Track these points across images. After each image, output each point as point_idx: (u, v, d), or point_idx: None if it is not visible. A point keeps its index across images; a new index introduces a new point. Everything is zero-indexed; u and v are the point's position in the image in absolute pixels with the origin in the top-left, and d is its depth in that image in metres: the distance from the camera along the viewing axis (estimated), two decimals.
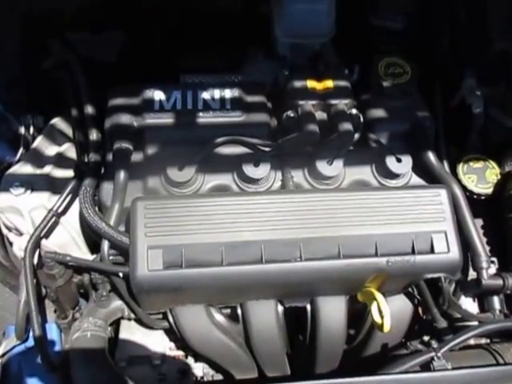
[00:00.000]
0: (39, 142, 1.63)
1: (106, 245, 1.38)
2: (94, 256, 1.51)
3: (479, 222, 1.62)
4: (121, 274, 1.40)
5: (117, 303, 1.51)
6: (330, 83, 1.55)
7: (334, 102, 1.52)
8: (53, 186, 1.53)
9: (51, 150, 1.63)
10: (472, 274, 1.51)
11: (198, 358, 1.54)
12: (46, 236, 1.48)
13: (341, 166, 1.46)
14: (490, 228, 1.63)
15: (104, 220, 1.38)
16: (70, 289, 1.50)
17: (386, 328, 1.34)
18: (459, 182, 1.56)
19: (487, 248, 1.58)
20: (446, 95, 1.70)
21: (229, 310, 1.49)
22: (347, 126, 1.47)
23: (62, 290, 1.48)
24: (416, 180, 1.52)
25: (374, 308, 1.36)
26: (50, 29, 1.64)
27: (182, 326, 1.43)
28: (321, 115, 1.53)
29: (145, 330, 1.54)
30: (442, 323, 1.45)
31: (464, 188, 1.56)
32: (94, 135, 1.55)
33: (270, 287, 1.39)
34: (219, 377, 1.56)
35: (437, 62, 1.77)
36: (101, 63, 1.73)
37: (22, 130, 1.67)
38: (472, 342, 1.54)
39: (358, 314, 1.51)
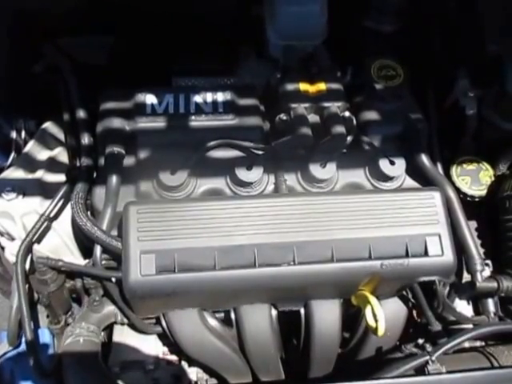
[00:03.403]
0: (31, 147, 1.62)
1: (98, 250, 1.37)
2: (87, 261, 1.50)
3: (473, 224, 1.62)
4: (113, 279, 1.40)
5: (110, 308, 1.50)
6: (322, 86, 1.55)
7: (326, 104, 1.52)
8: (45, 190, 1.53)
9: (43, 154, 1.63)
10: (466, 277, 1.51)
11: (192, 362, 1.53)
12: (38, 241, 1.48)
13: (334, 169, 1.45)
14: (484, 230, 1.63)
15: (96, 225, 1.37)
16: (62, 294, 1.49)
17: (380, 331, 1.33)
18: (453, 184, 1.56)
19: (481, 250, 1.58)
20: (440, 97, 1.70)
21: (222, 315, 1.48)
22: (340, 128, 1.47)
23: (55, 296, 1.47)
24: (409, 182, 1.52)
25: (368, 311, 1.35)
26: (40, 32, 1.63)
27: (175, 331, 1.42)
28: (314, 118, 1.53)
29: (138, 334, 1.53)
30: (437, 326, 1.44)
31: (458, 190, 1.56)
32: (85, 139, 1.55)
33: (264, 291, 1.38)
34: (213, 382, 1.55)
35: (430, 63, 1.77)
36: (92, 66, 1.73)
37: (14, 134, 1.66)
38: (467, 345, 1.53)
39: (352, 318, 1.50)
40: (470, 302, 1.60)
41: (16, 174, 1.56)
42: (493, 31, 1.62)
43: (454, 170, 1.61)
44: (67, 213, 1.50)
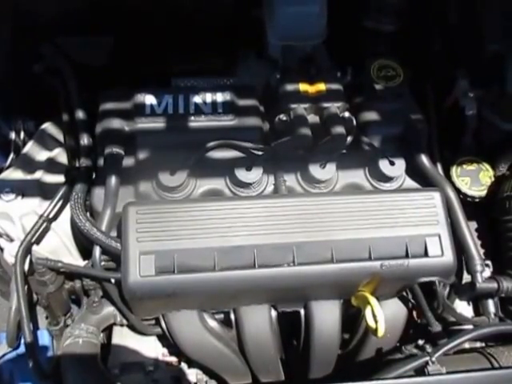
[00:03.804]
0: (30, 147, 1.62)
1: (97, 250, 1.37)
2: (86, 262, 1.50)
3: (473, 224, 1.62)
4: (113, 280, 1.39)
5: (109, 309, 1.49)
6: (322, 86, 1.54)
7: (326, 105, 1.52)
8: (44, 191, 1.52)
9: (42, 155, 1.62)
10: (466, 278, 1.51)
11: (192, 364, 1.53)
12: (37, 242, 1.47)
13: (334, 170, 1.45)
14: (484, 231, 1.62)
15: (95, 226, 1.37)
16: (61, 295, 1.49)
17: (380, 332, 1.33)
18: (453, 184, 1.55)
19: (481, 251, 1.58)
20: (439, 97, 1.70)
21: (222, 316, 1.48)
22: (340, 129, 1.46)
23: (54, 297, 1.47)
24: (409, 183, 1.52)
25: (368, 312, 1.35)
26: (40, 33, 1.62)
27: (174, 332, 1.42)
28: (313, 118, 1.52)
29: (137, 336, 1.52)
30: (437, 327, 1.44)
31: (458, 191, 1.55)
32: (85, 140, 1.54)
33: (263, 292, 1.38)
34: (213, 383, 1.55)
35: (429, 63, 1.77)
36: (92, 67, 1.72)
37: (13, 135, 1.66)
38: (467, 345, 1.52)
39: (352, 319, 1.50)
40: (470, 303, 1.60)
41: (15, 174, 1.55)
42: (493, 31, 1.61)
43: (454, 171, 1.60)
44: (66, 214, 1.49)
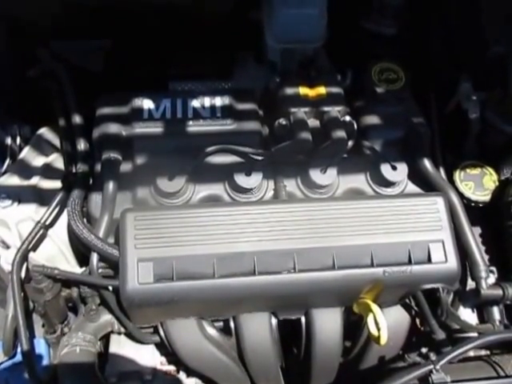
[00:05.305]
0: (26, 153, 1.61)
1: (95, 257, 1.35)
2: (83, 269, 1.49)
3: (477, 230, 1.59)
4: (110, 288, 1.38)
5: (106, 317, 1.48)
6: (322, 90, 1.53)
7: (326, 108, 1.50)
8: (40, 197, 1.51)
9: (38, 160, 1.61)
10: (471, 284, 1.49)
11: (190, 372, 1.51)
12: (34, 249, 1.45)
13: (335, 175, 1.44)
14: (489, 236, 1.60)
15: (93, 232, 1.35)
16: (58, 303, 1.48)
17: (383, 340, 1.31)
18: (456, 189, 1.54)
19: (486, 257, 1.56)
20: (442, 100, 1.68)
21: (221, 323, 1.46)
22: (341, 133, 1.45)
23: (51, 305, 1.45)
24: (412, 188, 1.50)
25: (370, 320, 1.34)
26: (36, 37, 1.62)
27: (173, 340, 1.40)
28: (313, 122, 1.51)
29: (135, 344, 1.51)
30: (441, 335, 1.43)
31: (461, 195, 1.54)
32: (82, 145, 1.53)
33: (264, 299, 1.36)
34: None
35: (432, 66, 1.75)
36: (89, 71, 1.72)
37: (9, 140, 1.65)
38: (471, 353, 1.51)
39: (354, 326, 1.48)
40: (475, 310, 1.58)
41: (11, 180, 1.54)
42: (495, 32, 1.60)
43: (458, 175, 1.59)
44: (63, 220, 1.48)
